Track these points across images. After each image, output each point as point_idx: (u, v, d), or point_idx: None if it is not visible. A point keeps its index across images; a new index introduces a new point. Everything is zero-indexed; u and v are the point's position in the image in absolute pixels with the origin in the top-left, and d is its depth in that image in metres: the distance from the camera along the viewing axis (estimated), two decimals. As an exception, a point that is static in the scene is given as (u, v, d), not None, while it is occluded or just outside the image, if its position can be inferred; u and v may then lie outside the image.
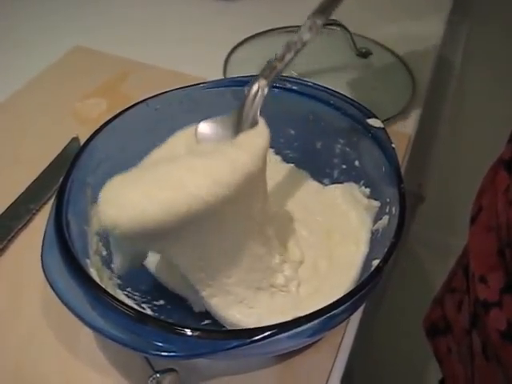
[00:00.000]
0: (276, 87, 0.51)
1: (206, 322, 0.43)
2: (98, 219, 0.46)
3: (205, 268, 0.41)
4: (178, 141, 0.41)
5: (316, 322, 0.34)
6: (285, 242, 0.47)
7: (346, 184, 0.52)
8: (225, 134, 0.40)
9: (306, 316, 0.34)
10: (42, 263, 0.38)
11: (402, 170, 0.45)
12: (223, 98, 0.52)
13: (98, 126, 0.47)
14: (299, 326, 0.33)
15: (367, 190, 0.49)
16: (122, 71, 0.73)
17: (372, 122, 0.48)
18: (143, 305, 0.44)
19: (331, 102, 0.50)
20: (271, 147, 0.55)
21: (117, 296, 0.36)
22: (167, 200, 0.34)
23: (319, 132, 0.52)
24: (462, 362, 0.53)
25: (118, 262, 0.41)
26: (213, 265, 0.41)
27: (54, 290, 0.36)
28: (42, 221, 0.42)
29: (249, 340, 0.32)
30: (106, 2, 0.91)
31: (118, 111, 0.48)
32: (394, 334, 1.20)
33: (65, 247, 0.37)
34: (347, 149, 0.51)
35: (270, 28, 0.79)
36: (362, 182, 0.50)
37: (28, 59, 0.77)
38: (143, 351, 0.35)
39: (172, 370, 0.39)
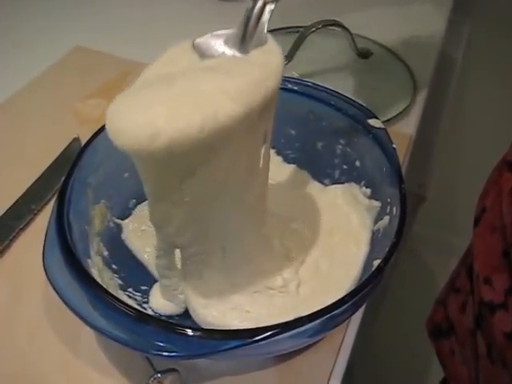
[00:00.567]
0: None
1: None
2: (99, 220, 0.46)
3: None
4: (175, 56, 0.37)
5: (317, 321, 0.34)
6: (285, 242, 0.47)
7: (346, 184, 0.52)
8: (227, 51, 0.37)
9: (308, 316, 0.34)
10: (44, 263, 0.38)
11: (403, 171, 0.45)
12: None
13: (98, 127, 0.47)
14: (300, 326, 0.33)
15: (368, 191, 0.49)
16: (123, 71, 0.73)
17: (373, 122, 0.48)
18: (144, 305, 0.44)
19: (332, 102, 0.50)
20: (272, 147, 0.55)
21: (118, 296, 0.36)
22: (196, 119, 0.30)
23: (320, 132, 0.52)
24: (466, 363, 0.53)
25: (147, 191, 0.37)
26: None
27: (55, 289, 0.36)
28: (43, 221, 0.43)
29: (250, 340, 0.32)
30: (107, 2, 0.91)
31: (118, 112, 0.48)
32: (395, 334, 1.20)
33: (66, 247, 0.37)
34: (348, 149, 0.51)
35: (270, 28, 0.79)
36: (362, 183, 0.50)
37: (28, 60, 0.77)
38: (144, 351, 0.35)
39: (173, 369, 0.39)
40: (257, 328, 0.33)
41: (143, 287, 0.46)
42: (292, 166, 0.55)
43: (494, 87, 1.10)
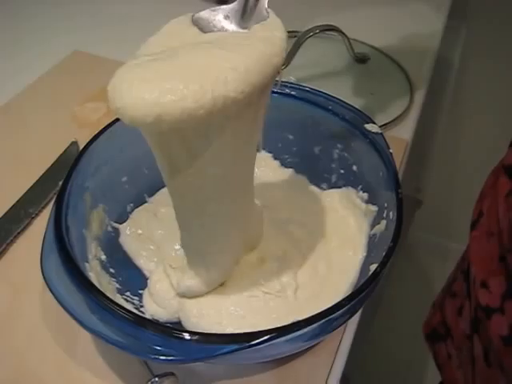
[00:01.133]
0: (274, 92, 0.51)
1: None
2: (97, 224, 0.46)
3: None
4: (175, 30, 0.37)
5: (314, 325, 0.34)
6: (282, 244, 0.48)
7: (343, 189, 0.52)
8: (227, 26, 0.36)
9: (305, 320, 0.34)
10: (42, 267, 0.38)
11: (400, 175, 0.45)
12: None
13: (97, 130, 0.47)
14: (298, 330, 0.34)
15: (365, 195, 0.49)
16: (121, 76, 0.74)
17: (370, 127, 0.48)
18: (142, 309, 0.44)
19: (329, 107, 0.50)
20: (269, 152, 0.56)
21: (116, 300, 0.36)
22: (207, 96, 0.29)
23: (317, 137, 0.53)
24: (462, 367, 0.53)
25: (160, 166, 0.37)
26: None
27: (52, 293, 0.36)
28: (41, 224, 0.43)
29: (247, 344, 0.32)
30: (105, 6, 0.91)
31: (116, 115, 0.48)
32: (392, 338, 1.20)
33: (64, 251, 0.37)
34: (345, 154, 0.51)
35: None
36: (359, 187, 0.50)
37: (27, 64, 0.77)
38: (142, 355, 0.35)
39: (171, 373, 0.39)
40: (254, 332, 0.33)
41: (141, 291, 0.46)
42: (289, 171, 0.56)
43: (491, 92, 1.11)
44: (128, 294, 0.44)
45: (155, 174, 0.53)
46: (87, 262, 0.42)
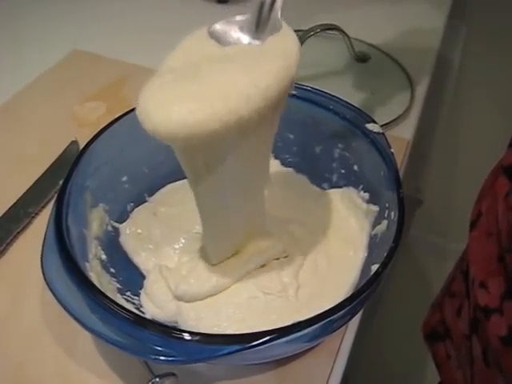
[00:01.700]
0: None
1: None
2: (97, 223, 0.46)
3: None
4: (193, 44, 0.38)
5: (315, 326, 0.34)
6: (284, 245, 0.48)
7: (344, 188, 0.52)
8: (243, 38, 0.37)
9: (306, 321, 0.34)
10: (42, 267, 0.38)
11: (401, 175, 0.45)
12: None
13: (97, 130, 0.47)
14: (299, 331, 0.33)
15: (366, 195, 0.49)
16: (121, 75, 0.73)
17: (371, 126, 0.48)
18: (142, 309, 0.44)
19: (330, 106, 0.50)
20: (270, 151, 0.56)
21: (116, 300, 0.36)
22: (231, 115, 0.31)
23: (318, 136, 0.53)
24: (461, 367, 0.53)
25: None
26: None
27: (53, 293, 0.36)
28: (41, 224, 0.42)
29: (248, 345, 0.32)
30: (105, 6, 0.91)
31: (117, 115, 0.48)
32: (391, 337, 1.20)
33: (64, 251, 0.37)
34: (346, 153, 0.51)
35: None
36: (360, 187, 0.50)
37: (27, 63, 0.77)
38: (142, 355, 0.35)
39: (171, 374, 0.39)
40: (255, 333, 0.33)
41: (141, 291, 0.46)
42: (290, 170, 0.56)
43: (492, 91, 1.10)
44: (128, 293, 0.44)
45: (155, 174, 0.53)
46: (87, 261, 0.41)
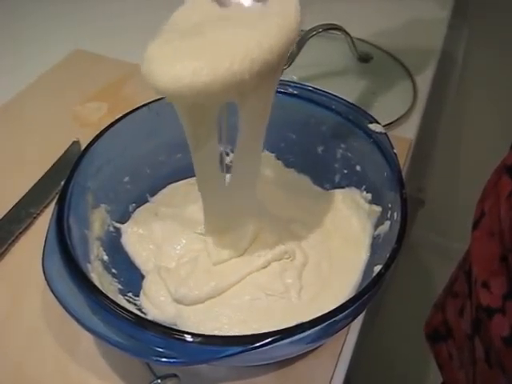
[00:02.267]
0: (277, 92, 0.51)
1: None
2: (99, 224, 0.46)
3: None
4: (197, 5, 0.38)
5: (318, 328, 0.34)
6: (285, 243, 0.47)
7: (347, 189, 0.52)
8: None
9: (308, 322, 0.34)
10: (43, 267, 0.38)
11: (403, 175, 0.45)
12: (224, 102, 0.52)
13: (98, 130, 0.47)
14: (301, 332, 0.33)
15: (369, 195, 0.49)
16: (123, 75, 0.73)
17: (373, 126, 0.48)
18: (144, 310, 0.44)
19: (332, 106, 0.50)
20: (272, 152, 0.55)
21: (118, 301, 0.35)
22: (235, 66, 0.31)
23: (320, 137, 0.52)
24: (464, 367, 0.53)
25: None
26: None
27: (54, 294, 0.36)
28: (42, 224, 0.42)
29: (250, 346, 0.32)
30: (106, 5, 0.91)
31: (118, 115, 0.48)
32: (393, 337, 1.20)
33: (66, 252, 0.37)
34: (348, 154, 0.51)
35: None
36: (363, 187, 0.50)
37: (28, 63, 0.77)
38: (143, 357, 0.35)
39: (173, 375, 0.39)
40: (257, 334, 0.33)
41: (141, 292, 0.46)
42: (292, 171, 0.55)
43: (494, 91, 1.10)
44: (130, 294, 0.44)
45: (157, 174, 0.53)
46: (89, 262, 0.41)
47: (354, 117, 0.49)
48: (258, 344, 0.32)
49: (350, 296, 0.36)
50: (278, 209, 0.51)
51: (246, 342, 0.32)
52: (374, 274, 0.38)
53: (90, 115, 0.67)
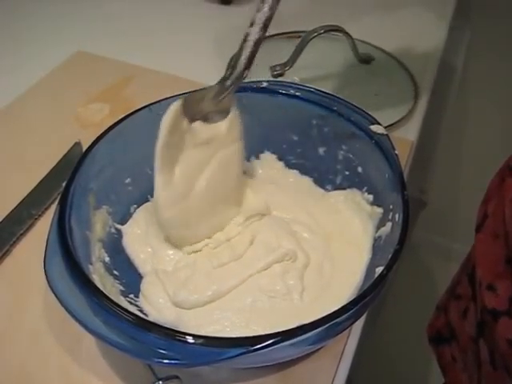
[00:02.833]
0: (279, 93, 0.51)
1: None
2: (100, 225, 0.46)
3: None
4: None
5: (319, 329, 0.34)
6: (286, 244, 0.47)
7: (348, 190, 0.52)
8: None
9: (310, 324, 0.33)
10: (45, 269, 0.38)
11: (405, 177, 0.45)
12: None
13: (100, 131, 0.47)
14: (302, 334, 0.33)
15: (370, 197, 0.49)
16: (125, 76, 0.73)
17: (375, 128, 0.48)
18: (145, 311, 0.44)
19: (334, 108, 0.50)
20: (273, 153, 0.55)
21: (119, 302, 0.36)
22: None
23: (322, 138, 0.52)
24: (467, 370, 0.53)
25: None
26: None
27: (56, 295, 0.36)
28: (44, 226, 0.42)
29: (252, 348, 0.32)
30: (108, 7, 0.91)
31: (120, 116, 0.48)
32: (396, 340, 1.20)
33: (67, 253, 0.37)
34: (350, 155, 0.51)
35: (271, 33, 0.79)
36: (365, 189, 0.50)
37: (30, 65, 0.77)
38: (145, 358, 0.35)
39: (175, 377, 0.39)
40: (259, 336, 0.33)
41: (140, 293, 0.45)
42: (294, 172, 0.55)
43: (496, 93, 1.10)
44: (132, 296, 0.44)
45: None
46: (91, 264, 0.41)
47: (356, 118, 0.49)
48: (259, 346, 0.32)
49: (352, 297, 0.36)
50: (279, 210, 0.51)
51: (248, 343, 0.32)
52: (376, 276, 0.37)
53: (91, 116, 0.67)
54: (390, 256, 0.38)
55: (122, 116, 0.48)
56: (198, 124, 0.45)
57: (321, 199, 0.53)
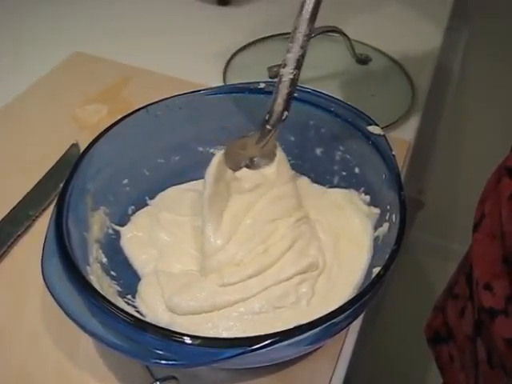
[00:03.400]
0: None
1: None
2: (98, 226, 0.46)
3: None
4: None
5: (316, 330, 0.34)
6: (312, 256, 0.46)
7: (346, 191, 0.52)
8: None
9: (307, 324, 0.33)
10: (42, 270, 0.38)
11: (402, 177, 0.45)
12: (223, 104, 0.52)
13: (97, 132, 0.47)
14: (300, 334, 0.33)
15: (367, 197, 0.49)
16: (123, 77, 0.73)
17: (372, 128, 0.48)
18: (142, 312, 0.44)
19: (331, 108, 0.50)
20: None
21: (117, 303, 0.35)
22: None
23: (319, 139, 0.52)
24: (465, 370, 0.53)
25: None
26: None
27: (53, 296, 0.36)
28: (41, 227, 0.42)
29: (249, 348, 0.32)
30: (107, 8, 0.91)
31: (118, 117, 0.48)
32: (394, 339, 1.20)
33: (65, 254, 0.37)
34: (347, 156, 0.51)
35: (270, 34, 0.79)
36: (362, 189, 0.50)
37: (28, 65, 0.77)
38: (143, 359, 0.35)
39: (172, 377, 0.39)
40: (256, 336, 0.33)
41: (137, 294, 0.45)
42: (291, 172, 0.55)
43: (493, 93, 1.10)
44: (129, 297, 0.44)
45: (156, 176, 0.53)
46: (88, 264, 0.41)
47: (353, 119, 0.49)
48: (257, 346, 0.32)
49: (350, 297, 0.36)
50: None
51: (245, 344, 0.32)
52: (373, 276, 0.38)
53: (89, 117, 0.67)
54: (387, 256, 0.38)
55: (120, 117, 0.48)
56: (243, 171, 0.46)
57: (321, 197, 0.52)
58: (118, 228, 0.49)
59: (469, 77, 1.09)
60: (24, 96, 0.70)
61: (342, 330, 0.38)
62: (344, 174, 0.52)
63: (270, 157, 0.47)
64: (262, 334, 0.33)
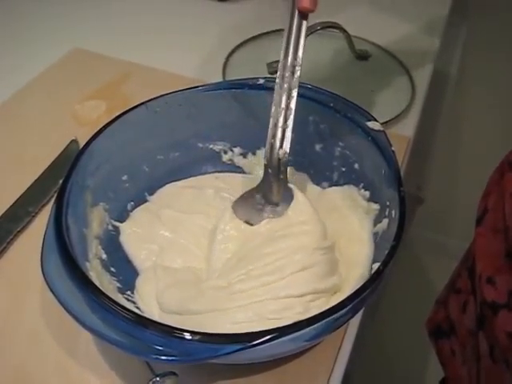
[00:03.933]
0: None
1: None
2: (97, 222, 0.46)
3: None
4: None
5: (316, 325, 0.34)
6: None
7: (345, 187, 0.52)
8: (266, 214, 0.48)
9: (306, 320, 0.34)
10: (42, 266, 0.38)
11: (402, 173, 0.45)
12: (222, 100, 0.52)
13: (97, 128, 0.47)
14: (299, 330, 0.33)
15: (367, 193, 0.49)
16: (122, 73, 0.73)
17: (371, 124, 0.48)
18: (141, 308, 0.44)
19: (330, 104, 0.50)
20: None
21: (117, 299, 0.36)
22: None
23: (319, 135, 0.52)
24: (467, 364, 0.53)
25: None
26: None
27: (53, 292, 0.36)
28: (41, 223, 0.42)
29: (249, 344, 0.32)
30: (105, 4, 0.91)
31: (117, 113, 0.48)
32: (394, 335, 1.20)
33: (64, 250, 0.37)
34: (347, 152, 0.51)
35: (269, 30, 0.79)
36: (361, 185, 0.50)
37: (27, 61, 0.77)
38: (142, 355, 0.35)
39: (172, 373, 0.39)
40: (256, 332, 0.33)
41: (135, 290, 0.45)
42: (290, 169, 0.55)
43: (493, 88, 1.10)
44: (129, 293, 0.44)
45: (155, 173, 0.53)
46: (88, 261, 0.41)
47: (352, 115, 0.49)
48: (256, 342, 0.32)
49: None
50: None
51: (245, 339, 0.32)
52: (373, 272, 0.38)
53: (88, 114, 0.67)
54: (386, 252, 0.38)
55: (119, 113, 0.48)
56: (265, 223, 0.47)
57: (319, 197, 0.52)
58: (117, 224, 0.49)
59: (468, 73, 1.09)
60: (23, 92, 0.70)
61: (342, 325, 0.38)
62: (343, 169, 0.52)
63: (288, 199, 0.47)
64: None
